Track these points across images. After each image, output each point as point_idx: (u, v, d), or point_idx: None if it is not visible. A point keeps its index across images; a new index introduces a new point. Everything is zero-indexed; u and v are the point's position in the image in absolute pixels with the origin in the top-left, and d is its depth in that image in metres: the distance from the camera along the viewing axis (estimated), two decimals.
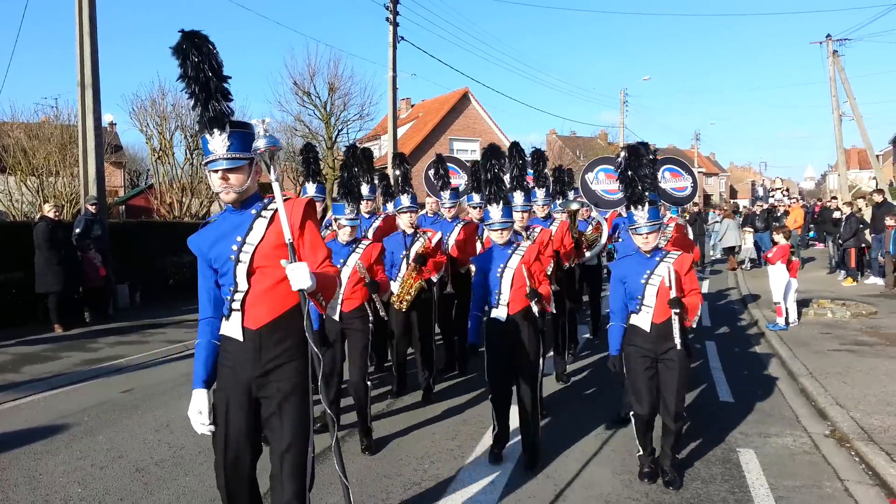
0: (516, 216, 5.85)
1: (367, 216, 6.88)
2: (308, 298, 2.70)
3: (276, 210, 2.83)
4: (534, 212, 6.92)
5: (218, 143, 2.74)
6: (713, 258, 22.22)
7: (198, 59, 2.63)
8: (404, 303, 6.13)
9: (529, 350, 4.66)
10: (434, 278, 6.50)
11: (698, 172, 67.29)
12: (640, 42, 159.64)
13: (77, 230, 10.78)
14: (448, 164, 8.45)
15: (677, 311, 4.18)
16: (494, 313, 4.69)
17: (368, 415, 5.05)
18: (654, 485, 4.42)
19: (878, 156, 56.14)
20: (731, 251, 18.95)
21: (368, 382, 5.00)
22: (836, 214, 16.17)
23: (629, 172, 4.56)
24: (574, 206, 6.86)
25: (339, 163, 6.70)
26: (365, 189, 6.66)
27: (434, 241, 6.42)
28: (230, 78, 2.75)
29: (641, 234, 4.39)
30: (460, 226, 7.31)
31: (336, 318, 4.88)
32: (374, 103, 31.23)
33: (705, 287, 15.36)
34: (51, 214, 10.37)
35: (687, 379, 4.41)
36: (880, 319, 10.42)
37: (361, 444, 5.05)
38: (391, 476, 4.59)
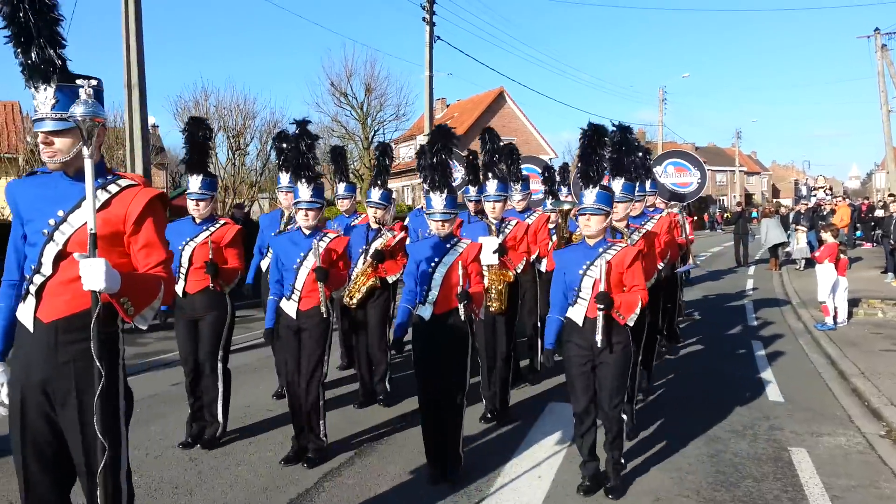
0: (488, 206, 5.64)
1: (345, 215, 6.48)
2: (104, 301, 2.31)
3: (118, 190, 2.52)
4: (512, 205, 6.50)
5: (42, 98, 2.39)
6: (755, 259, 21.81)
7: None
8: (353, 299, 5.85)
9: (453, 351, 4.29)
10: (390, 279, 6.01)
11: (740, 171, 66.19)
12: (680, 39, 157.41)
13: None
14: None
15: (601, 307, 3.88)
16: (420, 310, 4.37)
17: (320, 427, 4.65)
18: (706, 482, 4.36)
19: None
20: (774, 251, 18.56)
21: (321, 391, 4.63)
22: (879, 213, 15.74)
23: (588, 151, 4.34)
24: (566, 207, 6.56)
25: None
26: (341, 188, 6.44)
27: (396, 239, 5.99)
28: (62, 19, 2.35)
29: (585, 215, 4.09)
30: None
31: (293, 315, 4.57)
32: (410, 103, 31.46)
33: (749, 288, 15.09)
34: None
35: (623, 379, 4.09)
36: None
37: (307, 452, 4.66)
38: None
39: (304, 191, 4.58)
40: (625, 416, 4.26)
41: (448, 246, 4.41)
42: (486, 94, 40.95)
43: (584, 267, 4.07)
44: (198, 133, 5.09)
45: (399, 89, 44.76)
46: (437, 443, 4.31)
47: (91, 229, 2.29)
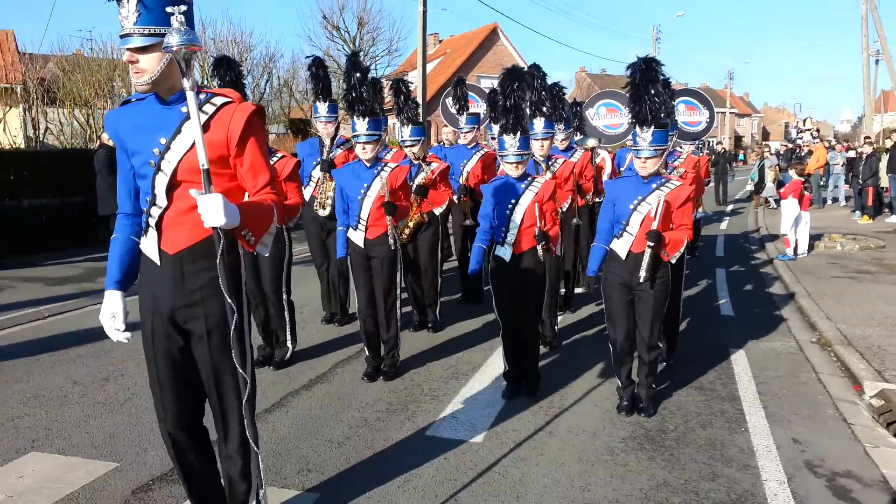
0: (535, 145, 5.62)
1: (326, 139, 6.07)
2: (226, 236, 2.29)
3: (214, 110, 2.38)
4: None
5: (126, 13, 2.23)
6: (735, 198, 22.60)
7: None
8: (403, 235, 5.87)
9: (533, 289, 4.53)
10: (437, 211, 6.23)
11: (731, 113, 66.30)
12: None
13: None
14: (468, 93, 8.23)
15: (651, 244, 4.01)
16: (499, 251, 4.53)
17: (398, 344, 5.05)
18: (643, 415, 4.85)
19: None
20: (759, 189, 19.41)
21: (399, 311, 4.96)
22: (852, 154, 16.46)
23: (640, 89, 4.17)
24: (591, 143, 6.75)
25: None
26: (323, 108, 5.93)
27: (438, 171, 6.17)
28: None
29: (640, 158, 4.12)
30: (479, 154, 7.02)
31: (361, 244, 4.80)
32: (403, 38, 31.52)
33: (724, 225, 15.91)
34: (110, 142, 11.19)
35: (661, 310, 4.27)
36: (886, 252, 10.95)
37: (383, 367, 5.04)
38: (395, 392, 4.73)
39: (361, 124, 4.68)
40: (660, 345, 4.49)
41: (523, 186, 4.51)
42: (479, 29, 40.69)
43: (637, 202, 4.13)
44: (226, 77, 4.90)
45: (392, 24, 44.34)
46: (516, 364, 4.63)
47: (203, 165, 2.20)
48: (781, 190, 11.32)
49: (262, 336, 5.29)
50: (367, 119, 4.69)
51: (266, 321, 5.23)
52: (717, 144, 23.71)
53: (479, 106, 9.40)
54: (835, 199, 19.01)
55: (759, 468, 3.66)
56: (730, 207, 19.79)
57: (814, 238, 11.36)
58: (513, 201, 4.47)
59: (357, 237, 4.81)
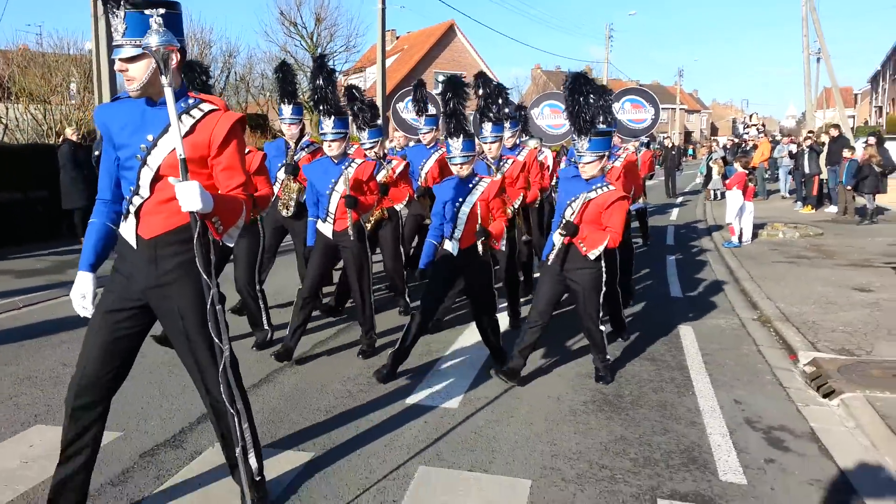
0: (486, 147, 5.94)
1: (290, 142, 6.24)
2: (199, 220, 2.49)
3: (201, 115, 2.63)
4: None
5: (117, 24, 2.46)
6: (685, 191, 23.46)
7: None
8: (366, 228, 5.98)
9: (481, 280, 4.83)
10: (398, 207, 6.56)
11: (681, 109, 68.01)
12: None
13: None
14: (427, 93, 8.36)
15: (563, 233, 4.46)
16: (447, 245, 4.81)
17: (373, 323, 5.34)
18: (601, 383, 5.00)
19: (856, 94, 57.40)
20: (708, 182, 20.24)
21: (371, 296, 5.21)
22: (792, 148, 17.35)
23: (577, 101, 4.53)
24: (532, 143, 6.95)
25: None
26: (287, 110, 6.06)
27: (398, 170, 6.48)
28: None
29: (581, 164, 4.53)
30: (437, 154, 7.10)
31: (329, 236, 5.04)
32: (361, 35, 31.63)
33: (674, 215, 16.61)
34: (73, 137, 11.21)
35: (592, 301, 4.63)
36: (824, 239, 11.68)
37: (363, 347, 5.33)
38: (375, 368, 4.90)
39: (328, 123, 4.93)
40: (601, 328, 4.78)
41: (470, 186, 4.80)
42: (436, 26, 40.98)
43: (573, 199, 4.57)
44: (196, 79, 4.97)
45: (349, 20, 44.23)
46: (406, 352, 4.82)
47: (180, 155, 2.43)
48: (727, 182, 11.95)
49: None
50: (332, 118, 4.94)
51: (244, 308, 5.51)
52: (665, 139, 24.49)
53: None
54: (792, 192, 19.24)
55: (704, 424, 4.11)
56: (679, 199, 20.56)
57: (758, 227, 12.04)
58: (460, 199, 4.77)
59: (326, 229, 5.07)
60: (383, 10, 21.11)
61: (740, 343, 5.90)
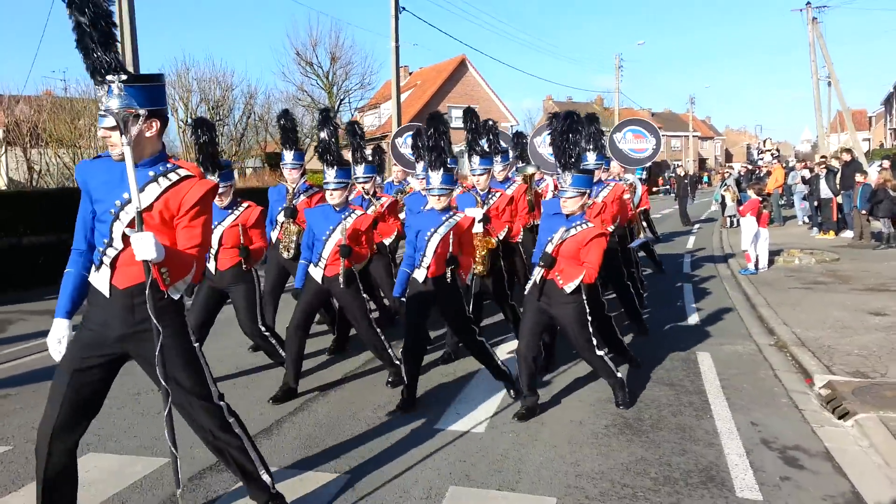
0: (474, 179, 6.21)
1: (291, 186, 6.51)
2: (152, 269, 2.67)
3: (178, 179, 2.84)
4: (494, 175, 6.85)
5: (102, 97, 2.70)
6: (702, 218, 23.62)
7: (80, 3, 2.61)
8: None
9: (451, 307, 5.01)
10: (386, 241, 6.79)
11: (694, 136, 68.31)
12: (634, 7, 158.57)
13: None
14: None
15: (542, 264, 4.64)
16: (416, 273, 4.97)
17: (391, 355, 5.39)
18: (625, 376, 5.76)
19: (870, 117, 57.41)
20: (724, 210, 20.38)
21: (375, 327, 5.31)
22: (805, 173, 17.48)
23: (562, 137, 4.73)
24: (530, 170, 7.12)
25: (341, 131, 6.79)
26: (289, 156, 6.37)
27: (386, 205, 6.74)
28: (115, 26, 2.74)
29: (563, 198, 4.68)
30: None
31: (319, 280, 5.16)
32: (375, 72, 32.37)
33: (690, 243, 16.76)
34: None
35: (580, 333, 4.75)
36: (840, 264, 11.78)
37: (388, 377, 5.52)
38: (394, 401, 5.08)
39: (330, 173, 5.13)
40: (601, 353, 4.88)
41: (444, 218, 4.94)
42: (448, 61, 41.81)
43: (555, 233, 4.72)
44: (203, 136, 5.37)
45: (363, 58, 45.25)
46: (414, 378, 5.00)
47: (137, 207, 2.63)
48: (740, 208, 12.12)
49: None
50: (335, 168, 5.16)
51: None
52: (678, 168, 24.73)
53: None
54: (809, 218, 19.07)
55: (722, 445, 4.27)
56: (696, 227, 20.70)
57: (774, 253, 12.17)
58: (431, 230, 4.90)
59: (316, 273, 5.19)
60: (397, 48, 21.69)
61: (757, 368, 6.05)
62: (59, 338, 2.91)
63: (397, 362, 5.33)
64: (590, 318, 4.82)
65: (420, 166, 7.26)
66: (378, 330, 5.34)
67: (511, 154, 8.30)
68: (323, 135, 5.38)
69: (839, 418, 4.78)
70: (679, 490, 3.66)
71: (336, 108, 30.49)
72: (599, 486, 3.70)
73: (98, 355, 2.87)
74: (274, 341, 5.64)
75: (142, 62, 12.70)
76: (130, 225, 2.73)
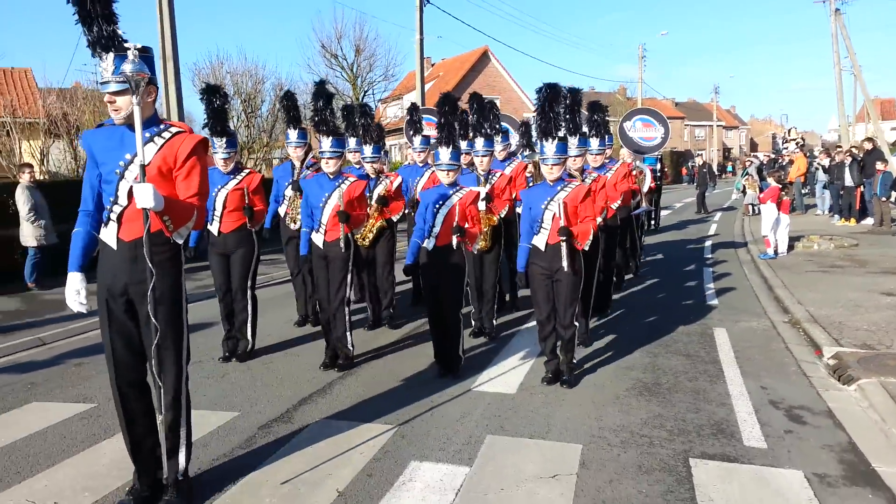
0: (477, 160, 6.61)
1: (297, 162, 6.90)
2: (152, 218, 2.99)
3: (170, 136, 3.16)
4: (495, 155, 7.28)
5: (105, 66, 3.00)
6: (724, 207, 23.83)
7: None
8: (366, 240, 6.76)
9: (452, 276, 5.28)
10: (394, 218, 7.01)
11: (718, 126, 67.89)
12: None
13: None
14: (424, 115, 9.47)
15: (563, 237, 4.82)
16: (426, 243, 5.30)
17: (348, 338, 5.61)
18: (647, 350, 6.20)
19: None
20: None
21: (346, 308, 5.52)
22: (825, 162, 17.65)
23: (546, 108, 5.07)
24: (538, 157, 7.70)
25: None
26: (294, 135, 6.67)
27: (395, 184, 6.95)
28: (116, 1, 2.99)
29: (548, 165, 4.97)
30: (429, 172, 7.40)
31: (321, 245, 5.46)
32: (398, 64, 32.60)
33: (712, 230, 17.06)
34: None
35: (576, 295, 5.01)
36: (859, 249, 12.05)
37: (338, 359, 5.64)
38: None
39: (326, 142, 5.43)
40: (576, 324, 5.10)
41: (451, 192, 5.36)
42: (470, 53, 42.04)
43: (546, 202, 4.98)
44: (214, 100, 5.71)
45: (387, 50, 45.65)
46: (442, 346, 5.39)
47: (141, 161, 2.98)
48: (761, 196, 12.42)
49: (226, 331, 6.01)
50: (331, 138, 5.47)
51: (230, 314, 5.93)
52: (697, 157, 24.94)
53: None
54: (830, 209, 19.23)
55: (733, 405, 4.70)
56: (717, 216, 20.94)
57: (794, 239, 12.45)
58: (440, 202, 5.30)
59: (318, 239, 5.52)
60: (421, 41, 22.15)
61: (770, 341, 6.45)
62: (76, 289, 3.17)
63: (350, 349, 5.67)
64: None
65: (417, 140, 7.66)
66: (348, 309, 5.58)
67: (516, 141, 8.70)
68: (319, 105, 5.65)
69: (844, 384, 5.17)
70: (692, 440, 4.11)
71: (361, 99, 30.94)
72: (620, 436, 4.16)
73: (115, 303, 3.19)
74: (250, 308, 5.90)
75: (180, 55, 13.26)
76: (152, 178, 3.06)
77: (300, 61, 57.79)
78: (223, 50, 57.73)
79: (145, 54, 3.04)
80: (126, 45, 2.98)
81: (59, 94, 20.89)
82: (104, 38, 2.96)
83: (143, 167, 2.99)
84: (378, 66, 32.33)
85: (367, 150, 6.81)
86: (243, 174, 5.91)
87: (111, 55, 2.98)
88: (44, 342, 6.99)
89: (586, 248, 5.07)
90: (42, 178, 14.41)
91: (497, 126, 7.40)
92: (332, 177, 5.53)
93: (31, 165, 10.50)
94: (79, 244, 3.21)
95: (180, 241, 3.23)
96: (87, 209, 3.25)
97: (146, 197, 2.91)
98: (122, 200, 3.14)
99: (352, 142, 6.99)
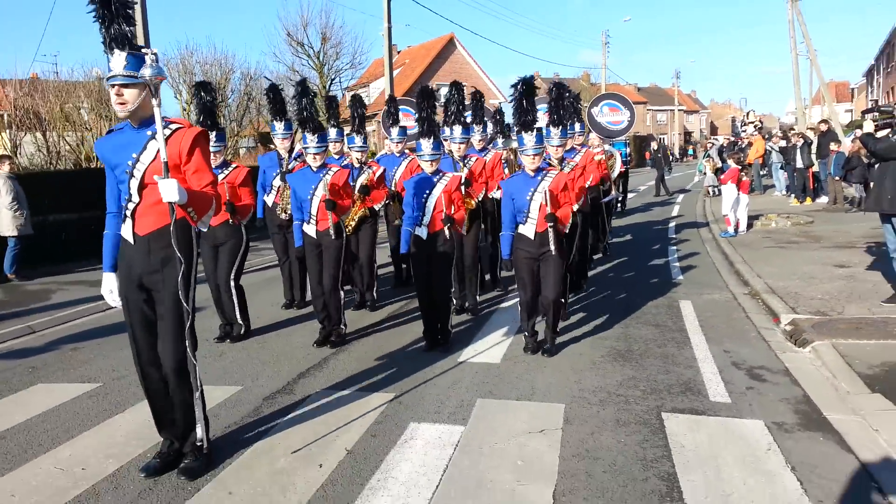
0: (454, 147, 6.85)
1: (283, 153, 7.12)
2: (177, 210, 3.19)
3: (170, 133, 3.29)
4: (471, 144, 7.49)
5: (117, 61, 3.17)
6: (683, 189, 24.53)
7: None
8: (349, 227, 6.84)
9: (443, 260, 5.57)
10: (377, 206, 7.26)
11: (679, 110, 69.10)
12: None
13: None
14: (400, 107, 9.86)
15: (551, 224, 5.10)
16: (418, 231, 5.55)
17: (342, 318, 6.00)
18: (619, 324, 6.62)
19: (853, 89, 58.41)
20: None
21: (342, 291, 5.92)
22: (782, 143, 18.35)
23: (524, 102, 5.40)
24: (514, 145, 7.34)
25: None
26: (280, 126, 6.87)
27: (377, 174, 7.21)
28: (135, 3, 3.24)
29: (529, 156, 5.27)
30: (406, 161, 7.68)
31: (313, 235, 5.78)
32: (365, 52, 32.63)
33: (675, 211, 17.65)
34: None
35: (562, 272, 5.36)
36: (814, 226, 12.67)
37: (331, 336, 5.94)
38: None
39: (312, 139, 5.72)
40: (563, 300, 5.58)
41: (435, 180, 5.60)
42: (436, 40, 42.13)
43: (530, 193, 5.25)
44: (205, 98, 6.07)
45: (354, 38, 45.46)
46: (432, 323, 5.71)
47: (164, 158, 3.18)
48: (721, 177, 12.97)
49: (221, 317, 6.34)
50: (316, 134, 5.76)
51: (220, 300, 6.24)
52: (653, 141, 25.74)
53: (413, 117, 10.39)
54: (788, 188, 20.06)
55: (699, 367, 5.13)
56: (679, 198, 21.60)
57: (752, 218, 13.03)
58: (427, 192, 5.54)
59: (310, 230, 5.84)
60: (389, 28, 22.24)
61: (731, 311, 6.92)
62: (109, 288, 3.52)
63: (343, 327, 6.03)
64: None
65: (395, 131, 7.78)
66: (342, 292, 5.97)
67: (490, 128, 8.89)
68: (303, 104, 5.93)
69: (799, 346, 5.64)
70: (663, 397, 4.51)
71: (327, 87, 30.92)
72: (599, 396, 4.56)
73: (132, 291, 3.42)
74: (236, 299, 6.20)
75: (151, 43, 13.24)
76: (158, 173, 3.23)
77: (266, 50, 57.11)
78: (192, 40, 57.00)
79: (156, 56, 3.24)
80: (143, 49, 3.21)
81: (18, 86, 20.58)
82: (121, 36, 3.17)
83: (165, 164, 3.19)
84: (345, 53, 32.38)
85: (358, 139, 7.13)
86: (230, 169, 6.12)
87: (125, 52, 3.17)
88: (34, 330, 7.14)
89: (566, 231, 5.42)
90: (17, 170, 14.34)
91: (480, 117, 7.67)
92: (315, 170, 5.80)
93: (10, 157, 10.52)
94: (109, 246, 3.49)
95: (204, 229, 3.53)
96: (112, 210, 3.49)
97: (171, 191, 3.12)
98: (135, 198, 3.34)
99: (332, 132, 7.21)
